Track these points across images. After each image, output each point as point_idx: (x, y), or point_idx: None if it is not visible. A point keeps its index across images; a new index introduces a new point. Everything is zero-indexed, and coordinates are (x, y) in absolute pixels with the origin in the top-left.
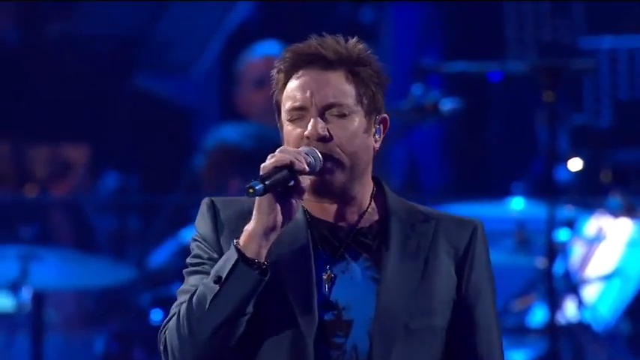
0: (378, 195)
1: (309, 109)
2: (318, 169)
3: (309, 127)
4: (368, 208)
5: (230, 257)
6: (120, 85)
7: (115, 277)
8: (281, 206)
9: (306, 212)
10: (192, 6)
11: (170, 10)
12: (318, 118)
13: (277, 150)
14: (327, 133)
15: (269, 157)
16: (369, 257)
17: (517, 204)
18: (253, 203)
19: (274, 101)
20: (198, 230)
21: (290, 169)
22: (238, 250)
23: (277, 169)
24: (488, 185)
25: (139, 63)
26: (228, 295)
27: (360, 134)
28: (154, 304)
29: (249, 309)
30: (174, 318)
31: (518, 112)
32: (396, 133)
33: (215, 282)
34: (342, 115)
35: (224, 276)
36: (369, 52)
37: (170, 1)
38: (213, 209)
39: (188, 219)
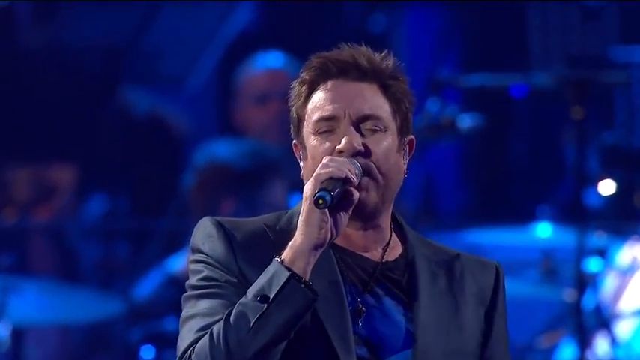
0: (395, 227)
1: (340, 120)
2: (357, 184)
3: (344, 140)
4: (390, 240)
5: (276, 274)
6: (107, 100)
7: (102, 311)
8: (332, 220)
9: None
10: (185, 13)
11: (160, 18)
12: (355, 131)
13: (325, 160)
14: (363, 148)
15: (320, 167)
16: (399, 293)
17: (543, 230)
18: (261, 224)
19: (294, 115)
20: (205, 251)
21: (345, 182)
22: (286, 267)
23: (333, 180)
24: (511, 210)
25: (127, 76)
26: (276, 315)
27: (394, 153)
28: (145, 340)
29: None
30: (207, 340)
31: (544, 129)
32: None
33: (260, 301)
34: (378, 130)
35: (272, 295)
36: (402, 69)
37: (160, 7)
38: (224, 229)
39: (181, 245)
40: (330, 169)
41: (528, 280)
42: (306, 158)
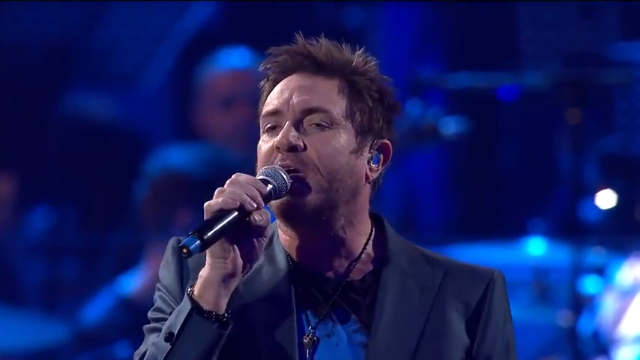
0: (378, 238)
1: (284, 114)
2: (284, 192)
3: (280, 134)
4: (361, 254)
5: (183, 309)
6: (52, 102)
7: (46, 336)
8: (240, 248)
9: (288, 258)
10: (137, 7)
11: (110, 12)
12: (292, 126)
13: (229, 180)
14: (301, 143)
15: (216, 193)
16: (357, 319)
17: (535, 247)
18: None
19: (258, 113)
20: (160, 278)
21: (240, 210)
22: (192, 300)
23: (224, 212)
24: (499, 224)
25: (74, 76)
26: (182, 354)
27: (344, 153)
28: None
29: None
30: None
31: (536, 134)
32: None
33: (166, 339)
34: (324, 126)
35: (176, 332)
36: (374, 66)
37: (108, 1)
38: (179, 253)
39: (134, 263)
40: (221, 199)
41: (519, 302)
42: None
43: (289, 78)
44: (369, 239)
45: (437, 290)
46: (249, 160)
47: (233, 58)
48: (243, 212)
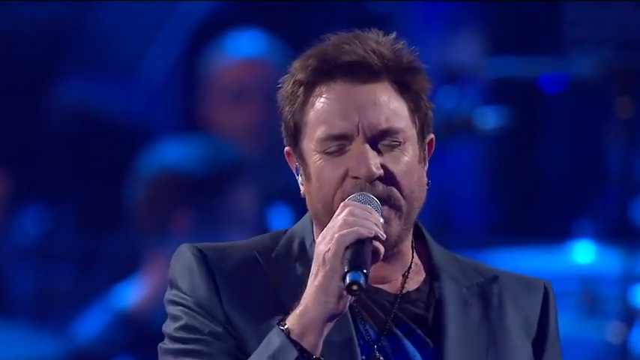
0: (418, 244)
1: (353, 138)
2: (384, 237)
3: (360, 164)
4: (411, 263)
5: (282, 350)
6: (45, 93)
7: (37, 351)
8: None
9: None
10: None
11: None
12: (372, 152)
13: (344, 212)
14: (382, 172)
15: (341, 223)
16: (423, 332)
17: (582, 252)
18: (252, 251)
19: (289, 121)
20: (184, 290)
21: (372, 240)
22: (294, 342)
23: (361, 242)
24: (543, 226)
25: (68, 65)
26: None
27: (415, 166)
28: None
29: None
30: None
31: (584, 128)
32: None
33: None
34: (397, 145)
35: None
36: (415, 53)
37: None
38: (206, 262)
39: (133, 271)
40: (356, 228)
41: (564, 314)
42: (308, 178)
43: (340, 89)
44: (413, 247)
45: (497, 303)
46: (255, 158)
47: (244, 44)
48: (374, 241)
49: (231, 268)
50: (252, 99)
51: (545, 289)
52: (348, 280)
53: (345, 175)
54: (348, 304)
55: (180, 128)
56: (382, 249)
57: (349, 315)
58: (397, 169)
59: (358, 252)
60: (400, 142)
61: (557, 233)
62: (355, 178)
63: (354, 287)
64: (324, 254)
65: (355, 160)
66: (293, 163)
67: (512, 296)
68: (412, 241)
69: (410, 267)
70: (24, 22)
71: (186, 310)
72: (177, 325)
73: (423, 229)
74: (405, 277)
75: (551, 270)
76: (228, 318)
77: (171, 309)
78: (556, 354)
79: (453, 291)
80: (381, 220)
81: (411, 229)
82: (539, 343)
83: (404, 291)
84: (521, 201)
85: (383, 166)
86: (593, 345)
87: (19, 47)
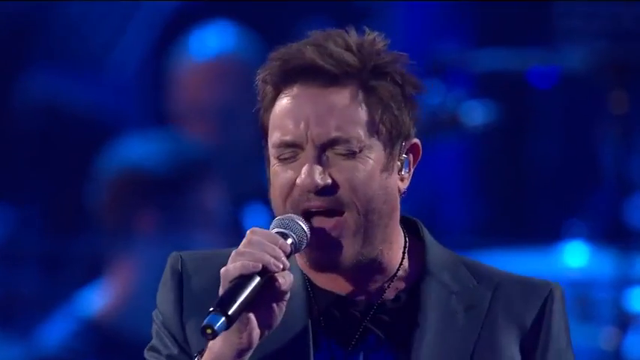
0: (414, 247)
1: (303, 145)
2: (305, 244)
3: (303, 174)
4: (398, 269)
5: None
6: (8, 86)
7: (1, 356)
8: (256, 317)
9: (307, 280)
10: None
11: None
12: (315, 165)
13: (245, 240)
14: (329, 180)
15: (232, 256)
16: (396, 345)
17: (574, 254)
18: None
19: (259, 122)
20: (157, 305)
21: (263, 273)
22: None
23: (244, 278)
24: (533, 227)
25: (33, 57)
26: None
27: (376, 176)
28: None
29: None
30: None
31: (575, 124)
32: None
33: None
34: (351, 154)
35: None
36: (386, 50)
37: None
38: (179, 275)
39: (99, 274)
40: (240, 263)
41: None
42: (269, 182)
43: (296, 92)
44: (404, 252)
45: (486, 310)
46: (221, 153)
47: (210, 39)
48: (266, 276)
49: (204, 281)
50: (219, 99)
51: (551, 292)
52: (203, 323)
53: (294, 184)
54: (256, 336)
55: (151, 123)
56: (286, 279)
57: (309, 331)
58: (350, 179)
59: (234, 290)
60: (355, 150)
61: (548, 234)
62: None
63: (208, 331)
64: (220, 289)
65: (300, 170)
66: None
67: (507, 301)
68: (405, 245)
69: (395, 274)
70: None
71: (156, 328)
72: (149, 345)
73: (421, 228)
74: (387, 285)
75: (542, 273)
76: (185, 335)
77: (152, 326)
78: (555, 356)
79: (438, 298)
80: (294, 247)
81: (388, 236)
82: (539, 347)
83: (380, 301)
84: (509, 200)
85: (332, 177)
86: (586, 352)
87: None
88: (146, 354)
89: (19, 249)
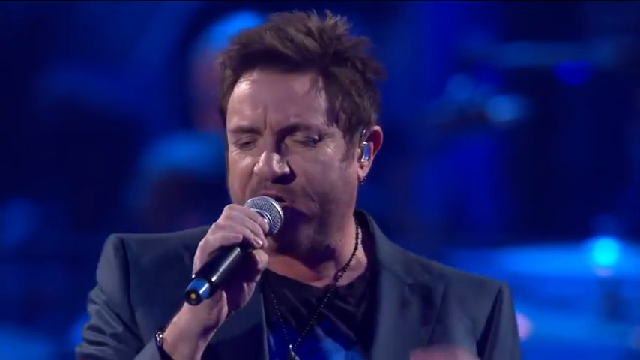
0: (365, 239)
1: (261, 131)
2: (278, 228)
3: (260, 161)
4: (351, 259)
5: None
6: (31, 83)
7: (24, 356)
8: (227, 294)
9: None
10: None
11: None
12: (273, 152)
13: (223, 215)
14: (287, 170)
15: (212, 228)
16: (351, 331)
17: (604, 251)
18: (179, 244)
19: (218, 106)
20: (100, 284)
21: (243, 247)
22: (163, 354)
23: (225, 249)
24: (562, 223)
25: (56, 53)
26: None
27: (335, 166)
28: None
29: None
30: None
31: (606, 120)
32: (430, 150)
33: None
34: (310, 142)
35: None
36: (347, 35)
37: None
38: (124, 253)
39: None
40: (221, 234)
41: (583, 318)
42: (227, 169)
43: (256, 77)
44: (357, 240)
45: (440, 304)
46: None
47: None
48: (245, 251)
49: (150, 261)
50: None
51: (500, 290)
52: (187, 287)
53: (252, 172)
54: (224, 313)
55: (175, 121)
56: (261, 257)
57: (263, 315)
58: (307, 168)
59: (215, 259)
60: (314, 138)
61: (577, 231)
62: (257, 175)
63: (192, 296)
64: (195, 259)
65: (258, 157)
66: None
67: (460, 297)
68: (358, 236)
69: (348, 263)
70: (10, 8)
71: (97, 308)
72: (87, 324)
73: (370, 221)
74: (340, 273)
75: (571, 270)
76: (132, 314)
77: (88, 307)
78: (504, 349)
79: (392, 288)
80: (270, 226)
81: (343, 226)
82: (488, 344)
83: (333, 288)
84: (538, 197)
85: (290, 165)
86: (615, 351)
87: (4, 34)
88: (85, 333)
89: (43, 247)
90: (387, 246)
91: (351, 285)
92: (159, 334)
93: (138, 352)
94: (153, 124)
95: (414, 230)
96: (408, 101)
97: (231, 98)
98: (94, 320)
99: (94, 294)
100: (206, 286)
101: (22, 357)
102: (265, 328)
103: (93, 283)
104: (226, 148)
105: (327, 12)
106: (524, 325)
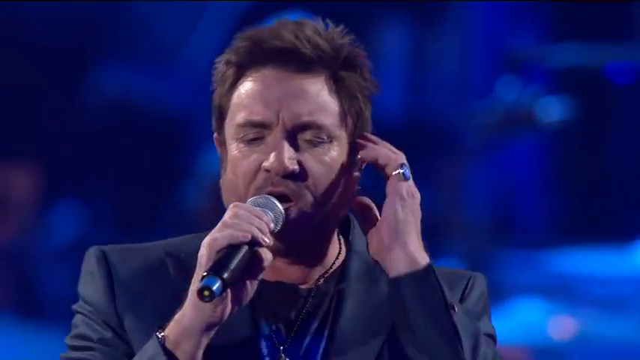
0: (347, 242)
1: (272, 127)
2: (280, 225)
3: (273, 156)
4: (335, 262)
5: (153, 359)
6: (80, 82)
7: None
8: (232, 291)
9: None
10: None
11: None
12: (286, 149)
13: (229, 212)
14: (297, 168)
15: (219, 225)
16: (334, 329)
17: None
18: (161, 252)
19: (215, 103)
20: (83, 295)
21: (250, 245)
22: (166, 351)
23: (233, 247)
24: (610, 224)
25: (105, 54)
26: None
27: (336, 170)
28: None
29: None
30: None
31: None
32: (478, 151)
33: None
34: (319, 142)
35: None
36: (356, 46)
37: None
38: (106, 264)
39: None
40: (229, 232)
41: (632, 319)
42: (225, 168)
43: (267, 74)
44: (340, 245)
45: None
46: None
47: None
48: (252, 249)
49: (133, 269)
50: None
51: (472, 277)
52: (200, 285)
53: (259, 168)
54: (228, 311)
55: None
56: (267, 256)
57: (251, 318)
58: (315, 168)
59: (225, 257)
60: (324, 139)
61: (625, 232)
62: (267, 171)
63: (206, 293)
64: (201, 258)
65: (269, 152)
66: (219, 149)
67: None
68: (340, 240)
69: (331, 267)
70: (62, 10)
71: (83, 317)
72: (72, 333)
73: (353, 222)
74: (326, 273)
75: (618, 271)
76: (121, 321)
77: (74, 319)
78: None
79: (360, 267)
80: (274, 224)
81: (333, 231)
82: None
83: (321, 288)
84: (586, 198)
85: (300, 163)
86: None
87: (54, 34)
88: (70, 341)
89: (90, 246)
90: (360, 242)
91: (326, 280)
92: (159, 332)
93: (128, 356)
94: (202, 123)
95: (463, 230)
96: (456, 101)
97: (236, 95)
98: (79, 329)
99: (77, 306)
100: (219, 283)
101: None
102: (254, 332)
103: None
104: (221, 147)
105: (328, 21)
106: (571, 325)
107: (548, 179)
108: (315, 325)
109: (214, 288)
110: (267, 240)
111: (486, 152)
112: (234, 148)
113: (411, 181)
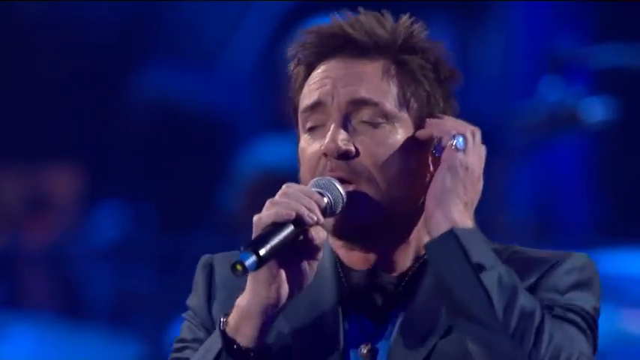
0: None
1: (328, 109)
2: (340, 208)
3: (327, 137)
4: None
5: (212, 346)
6: (121, 83)
7: (116, 356)
8: (287, 272)
9: (336, 258)
10: None
11: None
12: (340, 129)
13: (280, 192)
14: (352, 148)
15: (267, 205)
16: (422, 315)
17: None
18: None
19: (292, 106)
20: (188, 302)
21: (297, 223)
22: (224, 335)
23: (277, 226)
24: None
25: (148, 55)
26: None
27: (402, 152)
28: None
29: None
30: None
31: None
32: (521, 151)
33: None
34: (377, 123)
35: None
36: (424, 36)
37: None
38: (210, 269)
39: None
40: (274, 210)
41: None
42: (299, 163)
43: (327, 64)
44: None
45: None
46: None
47: None
48: (299, 228)
49: (227, 271)
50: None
51: (565, 255)
52: (234, 260)
53: (320, 156)
54: (285, 292)
55: (267, 121)
56: (319, 234)
57: (339, 305)
58: (373, 149)
59: (266, 234)
60: (380, 121)
61: None
62: (325, 155)
63: (238, 267)
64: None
65: (327, 136)
66: None
67: (516, 269)
68: None
69: (425, 254)
70: (103, 11)
71: (185, 322)
72: (176, 338)
73: None
74: (417, 263)
75: None
76: (213, 322)
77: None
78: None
79: (431, 280)
80: (329, 205)
81: (420, 216)
82: (541, 282)
83: (411, 278)
84: (630, 198)
85: (357, 145)
86: None
87: (96, 34)
88: (173, 346)
89: (134, 247)
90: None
91: (422, 271)
92: (223, 318)
93: None
94: (244, 124)
95: (506, 231)
96: (499, 102)
97: (304, 90)
98: (181, 334)
99: (185, 315)
100: (253, 258)
101: (112, 358)
102: (341, 319)
103: (183, 284)
104: (298, 144)
105: (402, 15)
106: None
107: (591, 180)
108: (404, 312)
109: (248, 263)
110: (315, 217)
111: (529, 153)
112: (302, 142)
113: (470, 154)
